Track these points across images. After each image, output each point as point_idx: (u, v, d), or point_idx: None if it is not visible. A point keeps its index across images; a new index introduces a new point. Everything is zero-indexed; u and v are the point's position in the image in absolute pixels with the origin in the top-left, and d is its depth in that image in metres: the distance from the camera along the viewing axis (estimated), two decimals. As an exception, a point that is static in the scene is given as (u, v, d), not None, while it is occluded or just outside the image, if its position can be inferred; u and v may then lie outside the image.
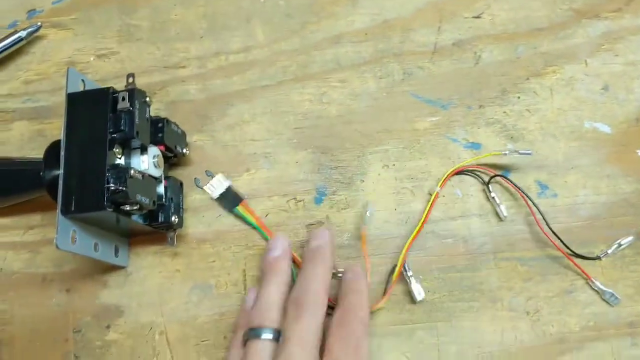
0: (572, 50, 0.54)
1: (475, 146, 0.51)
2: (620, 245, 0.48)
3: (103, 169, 0.40)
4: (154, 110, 0.52)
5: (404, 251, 0.47)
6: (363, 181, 0.51)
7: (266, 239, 0.48)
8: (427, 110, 0.52)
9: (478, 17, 0.55)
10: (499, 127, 0.52)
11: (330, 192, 0.50)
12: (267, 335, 0.40)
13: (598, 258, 0.48)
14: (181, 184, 0.48)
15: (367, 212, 0.47)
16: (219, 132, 0.52)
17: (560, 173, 0.50)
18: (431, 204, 0.49)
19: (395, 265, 0.46)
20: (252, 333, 0.40)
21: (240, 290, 0.48)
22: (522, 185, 0.49)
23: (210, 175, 0.50)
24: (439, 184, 0.49)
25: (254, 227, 0.49)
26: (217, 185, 0.49)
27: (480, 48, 0.54)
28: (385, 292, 0.46)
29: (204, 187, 0.49)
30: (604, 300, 0.47)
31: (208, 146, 0.52)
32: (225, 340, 0.46)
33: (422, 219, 0.48)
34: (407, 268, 0.46)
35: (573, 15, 0.55)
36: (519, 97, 0.53)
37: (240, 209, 0.48)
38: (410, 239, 0.47)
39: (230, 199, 0.49)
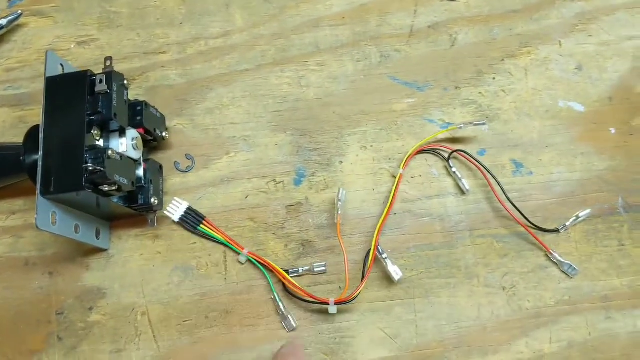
0: (547, 31, 0.55)
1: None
2: (578, 217, 0.49)
3: (81, 150, 0.41)
4: (134, 96, 0.53)
5: (375, 235, 0.47)
6: (342, 162, 0.51)
7: (238, 253, 0.48)
8: (404, 92, 0.53)
9: None
10: (475, 108, 0.52)
11: (309, 174, 0.51)
12: None
13: (556, 231, 0.49)
14: (160, 166, 0.49)
15: (339, 202, 0.47)
16: (198, 116, 0.53)
17: (535, 152, 0.51)
18: (396, 186, 0.49)
19: (370, 250, 0.47)
20: None
21: (221, 270, 0.48)
22: (497, 163, 0.50)
23: (190, 158, 0.51)
24: (401, 165, 0.50)
25: (223, 243, 0.48)
26: (176, 208, 0.49)
27: (455, 30, 0.55)
28: (363, 277, 0.46)
29: (164, 212, 0.49)
30: (562, 272, 0.48)
31: (188, 130, 0.52)
32: (207, 319, 0.47)
33: (389, 203, 0.49)
34: (381, 251, 0.47)
35: (547, -3, 0.56)
36: (494, 78, 0.53)
37: (203, 227, 0.48)
38: (379, 223, 0.48)
39: (191, 219, 0.48)
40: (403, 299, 0.48)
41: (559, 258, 0.48)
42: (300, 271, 0.48)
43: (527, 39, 0.55)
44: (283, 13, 0.56)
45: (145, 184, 0.46)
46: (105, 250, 0.49)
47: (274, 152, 0.52)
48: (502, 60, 0.54)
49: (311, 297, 0.46)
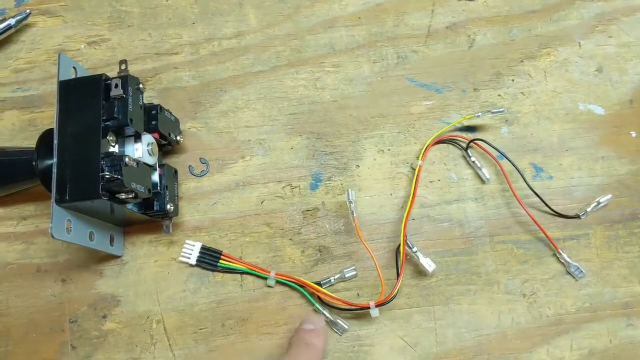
0: (566, 32, 0.54)
1: (470, 129, 0.51)
2: (599, 203, 0.48)
3: (97, 157, 0.40)
4: (147, 98, 0.51)
5: (403, 228, 0.46)
6: (359, 166, 0.50)
7: (264, 278, 0.47)
8: (422, 94, 0.52)
9: (472, -1, 0.55)
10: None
11: (325, 178, 0.50)
12: None
13: (577, 217, 0.49)
14: (175, 171, 0.48)
15: (351, 204, 0.46)
16: (212, 119, 0.51)
17: (555, 155, 0.51)
18: (416, 177, 0.48)
19: (399, 245, 0.46)
20: None
21: (237, 277, 0.47)
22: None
23: (204, 162, 0.50)
24: (420, 156, 0.49)
25: (248, 272, 0.47)
26: (189, 251, 0.47)
27: (474, 31, 0.54)
28: (398, 273, 0.45)
29: (179, 259, 0.47)
30: (569, 273, 0.47)
31: (202, 133, 0.51)
32: (223, 327, 0.46)
33: (412, 192, 0.48)
34: (410, 245, 0.46)
35: (567, -3, 0.55)
36: (513, 80, 0.53)
37: (223, 261, 0.47)
38: (405, 215, 0.46)
39: (208, 259, 0.47)
40: (422, 306, 0.47)
41: (567, 259, 0.47)
42: (332, 281, 0.47)
43: (546, 40, 0.54)
44: (298, 13, 0.55)
45: (160, 190, 0.45)
46: (119, 256, 0.48)
47: (289, 156, 0.51)
48: (521, 61, 0.53)
49: (350, 304, 0.45)
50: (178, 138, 0.48)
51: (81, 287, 0.47)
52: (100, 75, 0.43)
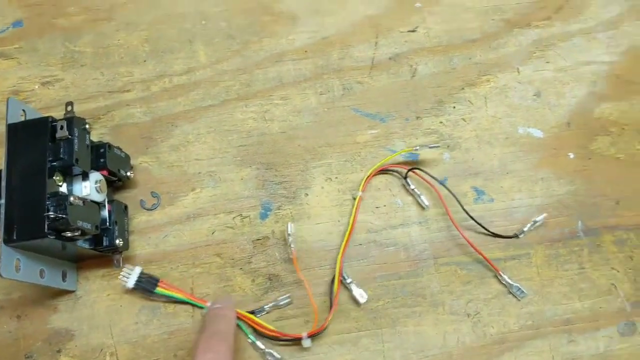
0: (505, 59, 0.56)
1: (413, 156, 0.53)
2: (535, 222, 0.50)
3: (43, 197, 0.41)
4: (99, 135, 0.53)
5: (339, 260, 0.48)
6: (307, 195, 0.52)
7: (201, 308, 0.48)
8: (367, 124, 0.54)
9: (413, 31, 0.57)
10: (436, 137, 0.53)
11: (275, 207, 0.52)
12: None
13: (515, 236, 0.51)
14: (126, 207, 0.49)
15: (289, 237, 0.48)
16: (163, 154, 0.53)
17: (495, 178, 0.52)
18: (356, 208, 0.50)
19: (334, 276, 0.48)
20: None
21: (188, 308, 0.48)
22: (458, 191, 0.51)
23: (155, 196, 0.51)
24: (360, 187, 0.51)
25: (185, 302, 0.48)
26: (129, 275, 0.48)
27: (416, 61, 0.56)
28: (331, 305, 0.47)
29: (118, 278, 0.48)
30: (511, 293, 0.49)
31: (153, 168, 0.53)
32: (175, 358, 0.47)
33: (349, 226, 0.50)
34: (345, 276, 0.48)
35: (504, 25, 0.58)
36: (454, 107, 0.55)
37: (161, 289, 0.48)
38: (342, 247, 0.49)
39: (145, 284, 0.48)
40: (370, 330, 0.48)
41: (508, 280, 0.49)
42: (266, 308, 0.48)
43: (486, 68, 0.56)
44: (246, 48, 0.57)
45: (110, 225, 0.46)
46: (72, 291, 0.49)
47: (239, 187, 0.52)
48: (462, 89, 0.55)
49: (283, 335, 0.47)
50: (128, 174, 0.50)
51: (36, 323, 0.48)
52: (47, 117, 0.44)
